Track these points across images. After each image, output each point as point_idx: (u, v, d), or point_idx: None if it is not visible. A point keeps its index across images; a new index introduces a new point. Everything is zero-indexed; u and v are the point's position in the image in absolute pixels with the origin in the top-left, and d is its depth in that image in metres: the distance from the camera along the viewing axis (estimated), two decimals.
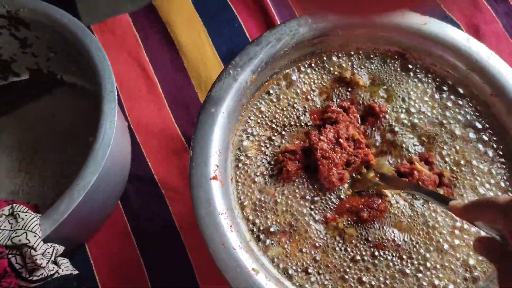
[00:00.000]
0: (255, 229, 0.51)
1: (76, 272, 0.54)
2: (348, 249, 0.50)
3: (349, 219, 0.51)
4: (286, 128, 0.56)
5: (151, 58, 0.78)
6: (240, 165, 0.54)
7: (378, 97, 0.58)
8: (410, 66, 0.59)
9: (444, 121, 0.56)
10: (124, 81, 0.76)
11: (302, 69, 0.60)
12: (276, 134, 0.56)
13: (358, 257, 0.50)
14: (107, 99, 0.54)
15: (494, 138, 0.55)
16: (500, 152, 0.55)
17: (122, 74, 0.76)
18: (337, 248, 0.50)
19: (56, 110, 0.73)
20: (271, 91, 0.58)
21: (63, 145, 0.70)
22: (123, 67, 0.77)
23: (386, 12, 0.24)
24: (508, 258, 0.37)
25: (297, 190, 0.53)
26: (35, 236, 0.46)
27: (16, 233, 0.46)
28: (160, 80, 0.76)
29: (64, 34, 0.61)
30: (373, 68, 0.60)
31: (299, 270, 0.49)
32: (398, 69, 0.60)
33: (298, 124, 0.56)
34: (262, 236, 0.51)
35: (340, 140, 0.52)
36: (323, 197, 0.52)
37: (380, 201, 0.51)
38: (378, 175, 0.52)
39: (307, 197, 0.52)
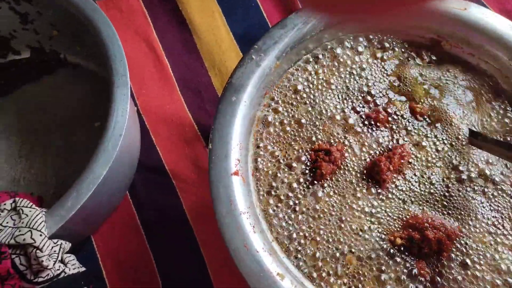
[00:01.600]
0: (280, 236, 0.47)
1: (83, 269, 0.50)
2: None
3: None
4: (311, 119, 0.52)
5: (160, 37, 0.73)
6: (261, 160, 0.50)
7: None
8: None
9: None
10: (131, 61, 0.70)
11: (329, 54, 0.55)
12: (300, 123, 0.51)
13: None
14: (119, 84, 0.49)
15: None
16: None
17: (129, 54, 0.70)
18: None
19: (58, 92, 0.68)
20: (295, 78, 0.54)
21: (66, 130, 0.65)
22: (130, 46, 0.72)
23: (386, 12, 0.23)
24: None
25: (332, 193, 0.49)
26: (40, 235, 0.42)
27: (19, 231, 0.42)
28: (170, 61, 0.71)
29: (70, 10, 0.56)
30: (404, 54, 0.55)
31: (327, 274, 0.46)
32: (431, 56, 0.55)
33: (329, 113, 0.52)
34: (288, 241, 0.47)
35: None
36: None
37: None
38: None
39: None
